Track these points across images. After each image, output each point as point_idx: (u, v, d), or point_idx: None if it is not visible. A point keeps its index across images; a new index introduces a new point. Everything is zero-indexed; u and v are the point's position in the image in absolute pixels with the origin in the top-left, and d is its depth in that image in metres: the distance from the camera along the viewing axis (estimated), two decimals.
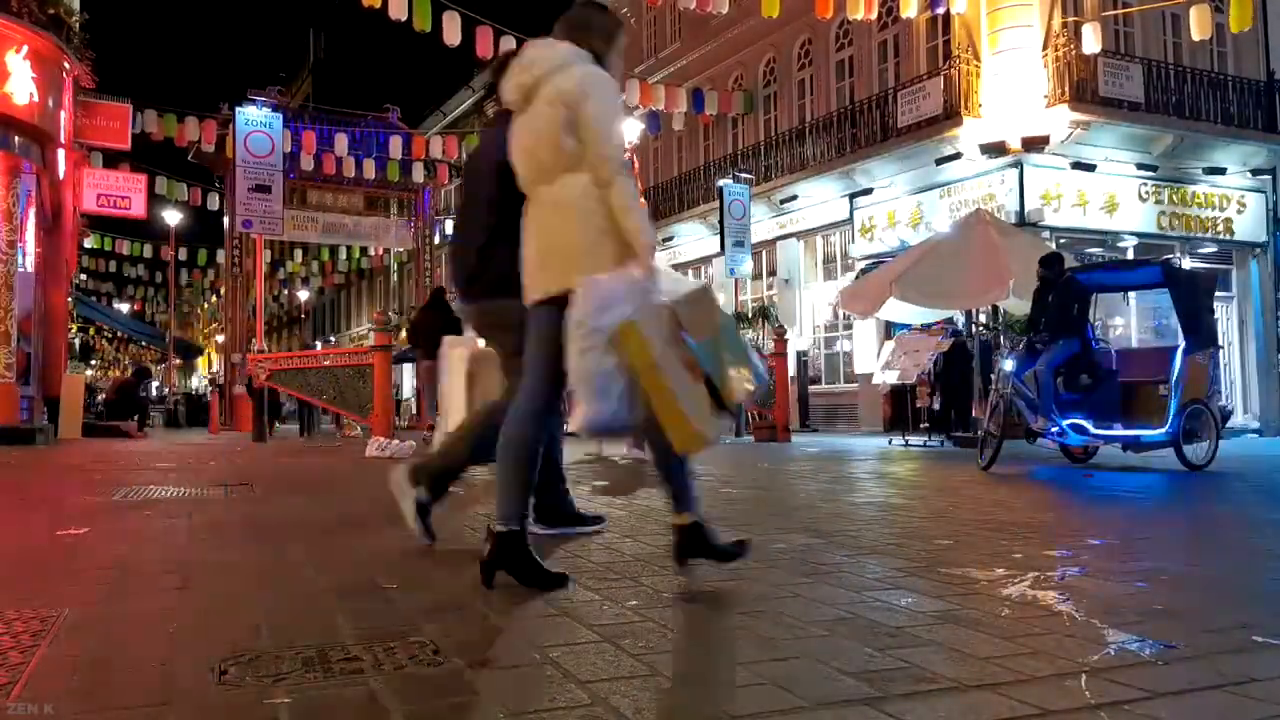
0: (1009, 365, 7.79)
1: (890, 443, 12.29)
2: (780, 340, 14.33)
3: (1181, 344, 7.77)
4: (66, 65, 13.28)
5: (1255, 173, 16.68)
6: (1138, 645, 2.09)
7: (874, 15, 15.34)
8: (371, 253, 30.20)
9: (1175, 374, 7.60)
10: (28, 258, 13.62)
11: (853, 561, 3.19)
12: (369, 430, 11.88)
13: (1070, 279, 8.15)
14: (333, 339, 47.59)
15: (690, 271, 24.20)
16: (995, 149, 15.08)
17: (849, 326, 18.87)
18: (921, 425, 12.90)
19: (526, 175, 2.77)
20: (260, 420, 13.92)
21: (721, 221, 18.63)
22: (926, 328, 12.93)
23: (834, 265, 19.78)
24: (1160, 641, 2.11)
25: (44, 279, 14.83)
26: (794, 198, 19.69)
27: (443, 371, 3.76)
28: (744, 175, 19.40)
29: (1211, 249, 16.95)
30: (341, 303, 49.75)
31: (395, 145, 22.24)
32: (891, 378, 12.51)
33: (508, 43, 16.26)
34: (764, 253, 20.89)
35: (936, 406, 12.71)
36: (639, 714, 1.62)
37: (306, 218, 23.20)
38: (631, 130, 19.81)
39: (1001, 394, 7.71)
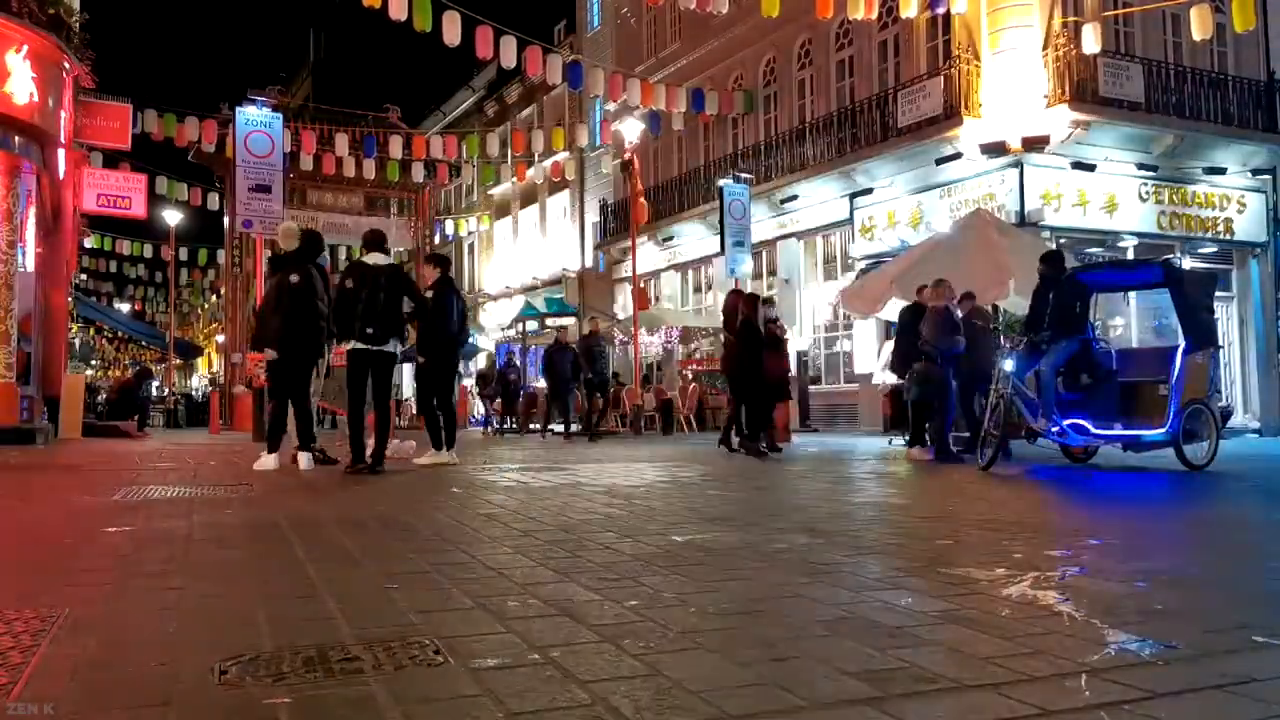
0: (1009, 365, 7.78)
1: (890, 443, 12.28)
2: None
3: (1181, 344, 7.77)
4: (66, 65, 13.27)
5: (1255, 173, 16.68)
6: (1138, 645, 2.09)
7: (874, 15, 15.34)
8: None
9: (1175, 374, 7.59)
10: (28, 258, 13.62)
11: (853, 561, 3.19)
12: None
13: (1071, 278, 8.15)
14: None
15: (690, 271, 24.26)
16: (995, 149, 15.08)
17: (849, 326, 18.88)
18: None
19: None
20: (260, 420, 13.89)
21: (721, 221, 18.63)
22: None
23: (834, 265, 19.79)
24: (1160, 641, 2.11)
25: (44, 279, 14.82)
26: (794, 198, 19.69)
27: None
28: (744, 175, 19.40)
29: (1211, 249, 16.95)
30: None
31: (395, 145, 22.22)
32: (891, 378, 12.48)
33: (508, 43, 16.28)
34: (764, 253, 20.89)
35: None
36: (639, 714, 1.62)
37: (306, 217, 23.18)
38: (631, 130, 19.84)
39: (1001, 394, 7.71)
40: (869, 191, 17.88)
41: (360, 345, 7.39)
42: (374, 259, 7.61)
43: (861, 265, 17.83)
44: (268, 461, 7.54)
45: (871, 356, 16.30)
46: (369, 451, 7.49)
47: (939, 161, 16.01)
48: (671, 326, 21.93)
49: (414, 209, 24.89)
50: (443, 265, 8.62)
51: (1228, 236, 16.69)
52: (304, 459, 7.59)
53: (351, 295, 7.36)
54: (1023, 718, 1.62)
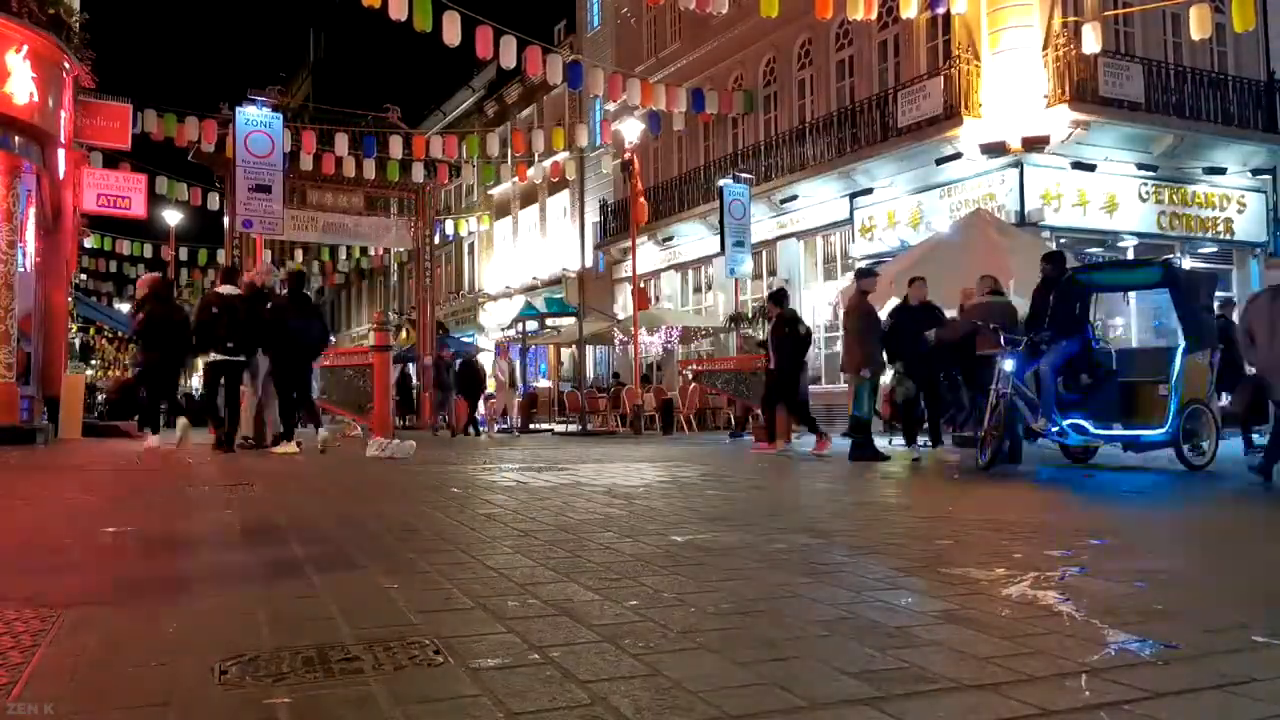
0: (1009, 365, 7.77)
1: (890, 443, 12.27)
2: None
3: (1181, 344, 7.76)
4: (66, 65, 13.25)
5: (1255, 173, 16.68)
6: (1138, 645, 2.09)
7: (874, 15, 15.33)
8: (372, 253, 30.24)
9: (1175, 374, 7.59)
10: (28, 258, 13.60)
11: (853, 561, 3.19)
12: (369, 430, 11.87)
13: (1071, 278, 8.14)
14: (333, 339, 47.53)
15: (690, 271, 24.26)
16: (995, 149, 15.08)
17: None
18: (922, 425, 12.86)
19: None
20: (260, 420, 13.86)
21: (721, 221, 18.63)
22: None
23: (834, 265, 19.78)
24: (1160, 641, 2.11)
25: (44, 279, 14.81)
26: (794, 198, 19.69)
27: None
28: (744, 175, 19.40)
29: (1211, 249, 16.95)
30: (342, 303, 49.77)
31: (395, 145, 22.20)
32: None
33: (508, 43, 16.27)
34: (764, 253, 20.89)
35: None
36: (639, 714, 1.62)
37: (306, 217, 23.15)
38: (631, 130, 19.84)
39: (1001, 394, 7.70)
40: (869, 191, 17.87)
41: (220, 357, 9.46)
42: (227, 289, 9.60)
43: (861, 265, 17.81)
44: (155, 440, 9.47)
45: None
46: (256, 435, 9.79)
47: (939, 161, 16.01)
48: (671, 326, 21.92)
49: (414, 209, 24.84)
50: (293, 282, 10.27)
51: (1228, 236, 16.69)
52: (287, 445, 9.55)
53: (214, 319, 9.35)
54: (1023, 718, 1.62)
